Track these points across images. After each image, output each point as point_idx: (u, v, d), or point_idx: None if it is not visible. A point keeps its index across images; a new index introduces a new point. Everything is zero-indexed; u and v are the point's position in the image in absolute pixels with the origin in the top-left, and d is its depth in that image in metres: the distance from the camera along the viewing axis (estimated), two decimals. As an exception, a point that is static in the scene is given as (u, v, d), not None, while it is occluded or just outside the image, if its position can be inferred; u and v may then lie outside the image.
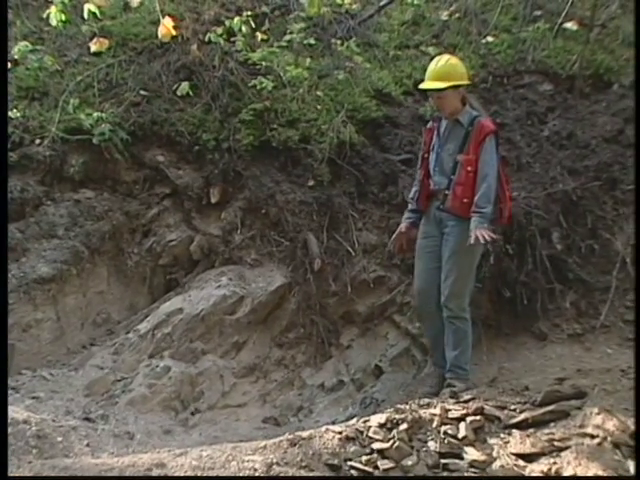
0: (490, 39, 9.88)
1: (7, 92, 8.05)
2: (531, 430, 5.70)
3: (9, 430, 5.62)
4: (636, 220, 7.82)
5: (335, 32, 9.65)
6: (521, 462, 5.44)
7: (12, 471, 4.78)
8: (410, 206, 7.13)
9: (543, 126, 9.30)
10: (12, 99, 8.47)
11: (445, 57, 6.98)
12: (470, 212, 6.58)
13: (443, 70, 6.80)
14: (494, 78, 9.52)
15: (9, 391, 6.98)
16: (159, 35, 8.30)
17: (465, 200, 6.65)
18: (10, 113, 8.21)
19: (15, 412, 6.00)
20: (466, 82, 6.95)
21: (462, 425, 5.72)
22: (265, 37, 8.94)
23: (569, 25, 10.09)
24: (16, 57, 8.56)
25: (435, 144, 6.91)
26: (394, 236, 7.12)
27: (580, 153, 9.03)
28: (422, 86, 6.95)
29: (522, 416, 5.83)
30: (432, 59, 7.06)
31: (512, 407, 6.00)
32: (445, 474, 5.33)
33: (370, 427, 5.63)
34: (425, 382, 7.24)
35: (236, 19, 8.65)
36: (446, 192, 6.76)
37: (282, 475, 5.02)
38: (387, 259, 8.06)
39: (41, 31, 9.21)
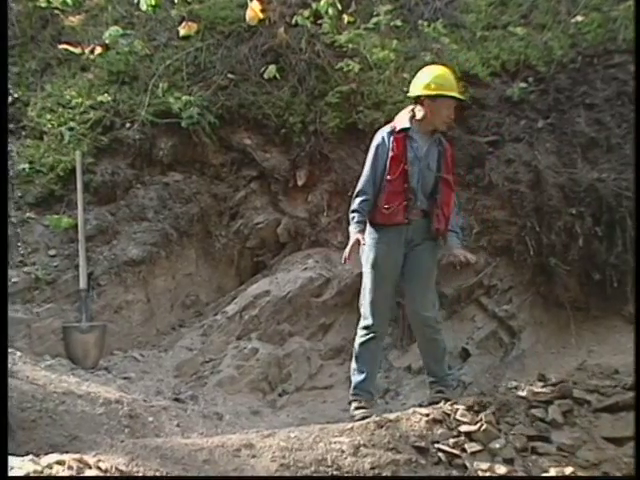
0: (580, 18, 9.67)
1: (7, 91, 8.28)
2: (622, 414, 5.64)
3: (102, 410, 5.77)
4: (636, 219, 7.67)
5: (422, 13, 9.57)
6: (611, 446, 5.40)
7: (105, 449, 4.88)
8: (359, 217, 6.28)
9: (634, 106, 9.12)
10: (103, 83, 8.64)
11: (444, 68, 6.63)
12: (444, 230, 6.40)
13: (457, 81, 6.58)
14: (583, 58, 9.32)
15: (101, 371, 7.15)
16: (247, 18, 8.39)
17: (444, 220, 6.38)
18: (101, 97, 8.39)
19: (108, 392, 6.15)
20: None
21: (551, 408, 5.69)
22: (351, 19, 8.91)
23: (662, 3, 9.86)
24: (107, 42, 8.70)
25: (412, 157, 6.34)
26: (350, 246, 6.24)
27: (673, 133, 8.85)
28: (458, 96, 6.41)
29: (612, 400, 5.77)
30: (426, 69, 6.60)
31: (602, 390, 5.93)
32: (534, 457, 5.32)
33: (457, 410, 5.63)
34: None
35: (323, 1, 8.65)
36: (438, 212, 6.33)
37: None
38: (474, 241, 8.02)
39: (131, 16, 9.34)
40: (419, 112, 6.38)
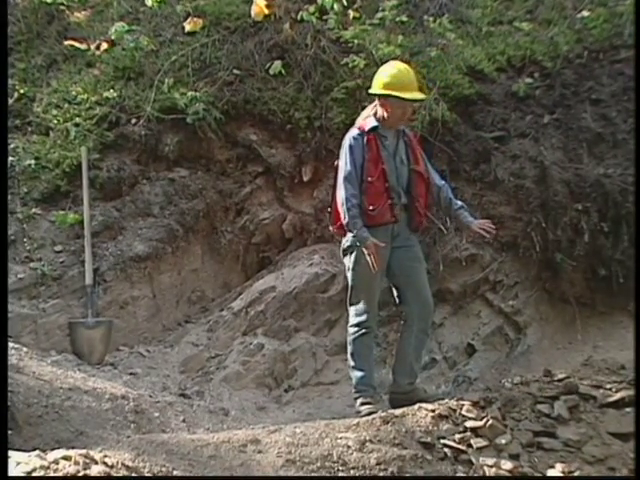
0: (585, 14, 9.65)
1: (7, 90, 8.25)
2: (627, 410, 5.64)
3: (108, 405, 5.77)
4: (636, 220, 7.66)
5: (427, 9, 9.54)
6: (617, 441, 5.40)
7: (111, 445, 4.89)
8: (360, 223, 6.15)
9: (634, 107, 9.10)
10: (109, 79, 8.66)
11: (402, 66, 6.59)
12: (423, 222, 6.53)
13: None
14: (589, 53, 9.30)
15: (107, 367, 7.16)
16: (252, 14, 8.38)
17: (423, 211, 6.46)
18: (107, 93, 8.40)
19: (114, 388, 6.15)
20: None
21: (557, 404, 5.70)
22: (357, 15, 8.89)
23: (668, -3, 9.82)
24: (113, 38, 8.71)
25: (386, 156, 6.34)
26: (375, 254, 6.07)
27: (679, 129, 8.82)
28: (418, 97, 6.49)
29: (618, 395, 5.77)
30: (385, 67, 6.61)
31: (608, 386, 5.94)
32: (540, 453, 5.32)
33: (463, 405, 5.63)
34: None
35: (328, -3, 8.65)
36: (416, 205, 6.39)
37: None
38: (480, 236, 8.01)
39: (137, 12, 9.36)
40: (379, 110, 6.40)
